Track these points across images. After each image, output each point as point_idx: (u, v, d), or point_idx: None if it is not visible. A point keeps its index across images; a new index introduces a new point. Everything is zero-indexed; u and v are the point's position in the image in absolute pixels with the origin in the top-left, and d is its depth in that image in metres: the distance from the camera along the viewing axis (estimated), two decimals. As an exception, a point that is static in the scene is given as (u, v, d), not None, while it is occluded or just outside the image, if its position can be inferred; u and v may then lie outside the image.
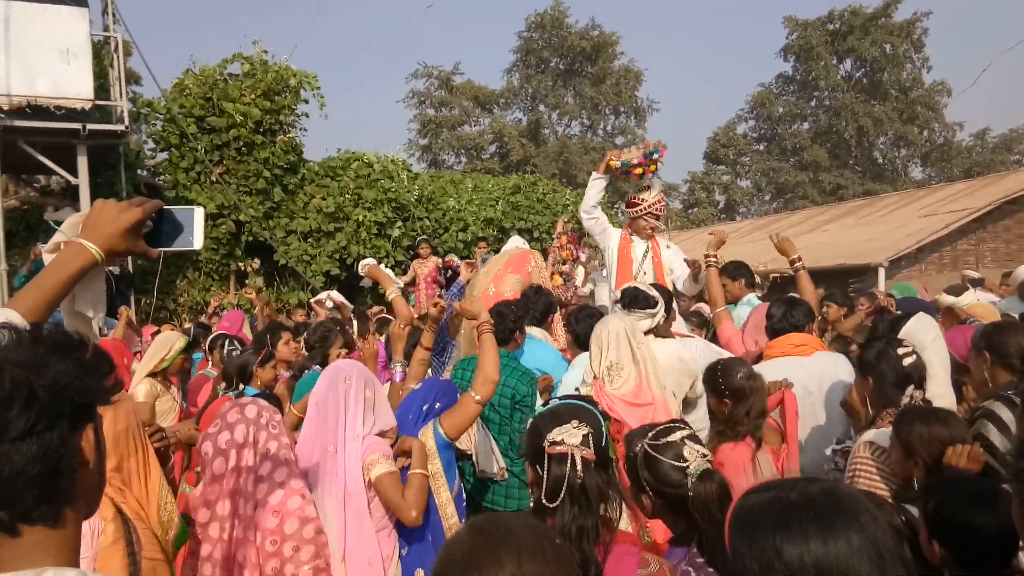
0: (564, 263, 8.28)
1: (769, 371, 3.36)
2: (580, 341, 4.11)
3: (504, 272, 5.44)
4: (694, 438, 2.06)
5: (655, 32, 71.09)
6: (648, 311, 3.80)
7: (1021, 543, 1.85)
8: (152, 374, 4.67)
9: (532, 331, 4.37)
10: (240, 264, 12.37)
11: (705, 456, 2.01)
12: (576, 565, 1.23)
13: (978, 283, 8.86)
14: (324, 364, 4.35)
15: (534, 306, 4.63)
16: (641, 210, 5.58)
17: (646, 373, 3.21)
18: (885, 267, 14.54)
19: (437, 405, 3.09)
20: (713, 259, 4.52)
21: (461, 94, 37.58)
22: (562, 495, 1.82)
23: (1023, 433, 1.37)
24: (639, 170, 5.65)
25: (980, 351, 3.07)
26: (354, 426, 2.79)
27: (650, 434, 2.05)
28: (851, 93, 37.53)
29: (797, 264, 4.57)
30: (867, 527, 1.07)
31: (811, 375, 3.57)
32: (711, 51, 73.87)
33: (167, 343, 4.75)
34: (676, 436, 2.03)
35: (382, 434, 2.88)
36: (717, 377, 3.09)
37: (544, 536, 1.18)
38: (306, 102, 13.09)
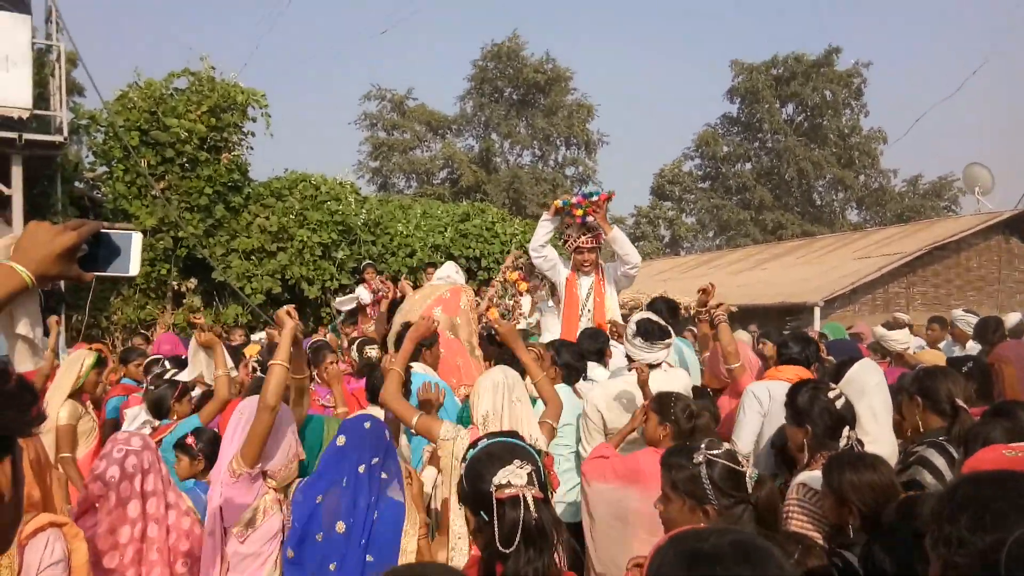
0: (505, 297, 8.42)
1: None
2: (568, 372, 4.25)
3: (431, 308, 5.47)
4: None
5: (608, 68, 72.56)
6: (665, 341, 3.95)
7: None
8: (71, 395, 4.52)
9: (416, 366, 4.33)
10: (176, 283, 12.04)
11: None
12: None
13: (907, 325, 9.24)
14: None
15: None
16: (569, 247, 6.11)
17: (520, 427, 3.10)
18: (820, 307, 14.95)
19: (375, 461, 2.78)
20: (722, 314, 4.46)
21: (414, 118, 37.60)
22: (517, 539, 1.76)
23: (948, 498, 1.36)
24: (579, 211, 5.92)
25: (912, 396, 3.15)
26: (221, 467, 2.82)
27: (702, 446, 2.16)
28: (793, 136, 38.79)
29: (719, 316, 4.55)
30: None
31: None
32: (661, 90, 75.64)
33: (77, 360, 4.61)
34: (727, 446, 2.17)
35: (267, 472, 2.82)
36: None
37: None
38: (253, 120, 12.92)
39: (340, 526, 2.60)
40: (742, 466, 2.10)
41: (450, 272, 6.77)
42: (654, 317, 4.06)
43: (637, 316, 4.08)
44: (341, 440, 2.75)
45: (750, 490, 2.09)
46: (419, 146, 37.81)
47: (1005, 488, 1.31)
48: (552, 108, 37.19)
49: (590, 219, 6.03)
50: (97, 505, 2.60)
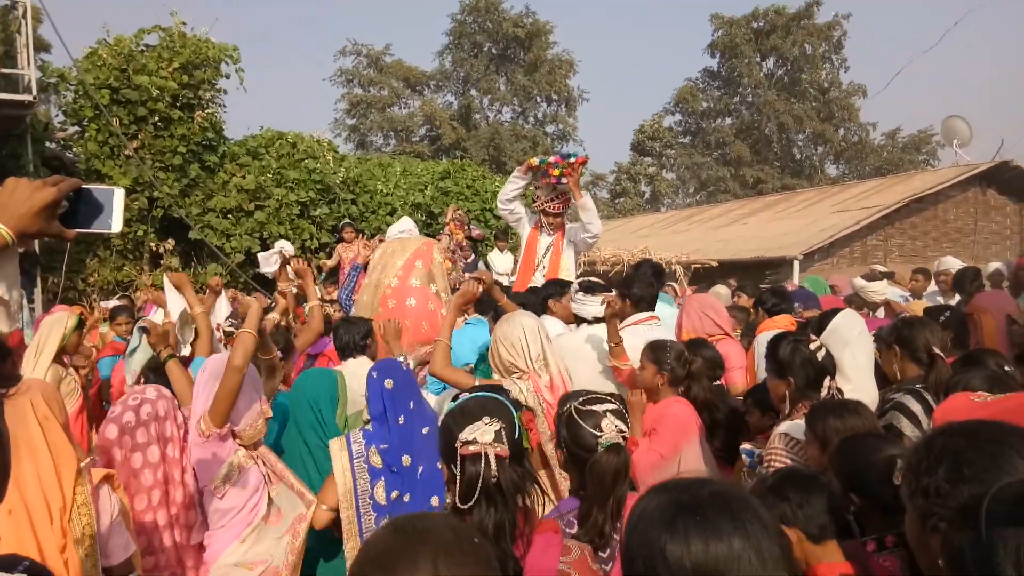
0: (453, 250, 8.75)
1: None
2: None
3: (412, 262, 5.45)
4: (619, 415, 2.20)
5: (587, 22, 71.64)
6: (605, 295, 4.04)
7: None
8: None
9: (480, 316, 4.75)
10: (153, 244, 11.88)
11: (621, 432, 2.17)
12: (496, 563, 1.21)
13: (888, 276, 9.36)
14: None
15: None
16: (537, 207, 6.28)
17: (559, 367, 3.37)
18: (799, 260, 15.07)
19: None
20: None
21: (391, 74, 37.00)
22: (477, 495, 1.79)
23: (924, 449, 1.39)
24: (556, 171, 5.93)
25: (890, 345, 3.19)
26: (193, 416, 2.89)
27: (581, 398, 2.22)
28: (773, 91, 38.65)
29: None
30: (752, 534, 1.08)
31: None
32: (641, 44, 74.90)
33: (60, 322, 4.61)
34: (602, 407, 2.19)
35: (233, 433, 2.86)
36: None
37: (464, 536, 1.16)
38: (226, 77, 12.64)
39: (406, 459, 2.73)
40: (600, 430, 2.16)
41: (409, 226, 6.80)
42: (593, 278, 4.26)
43: (578, 279, 4.29)
44: (389, 383, 2.85)
45: (597, 451, 2.14)
46: (397, 103, 37.28)
47: (978, 439, 1.34)
48: (533, 64, 36.71)
49: (565, 180, 6.00)
50: (114, 449, 2.68)
